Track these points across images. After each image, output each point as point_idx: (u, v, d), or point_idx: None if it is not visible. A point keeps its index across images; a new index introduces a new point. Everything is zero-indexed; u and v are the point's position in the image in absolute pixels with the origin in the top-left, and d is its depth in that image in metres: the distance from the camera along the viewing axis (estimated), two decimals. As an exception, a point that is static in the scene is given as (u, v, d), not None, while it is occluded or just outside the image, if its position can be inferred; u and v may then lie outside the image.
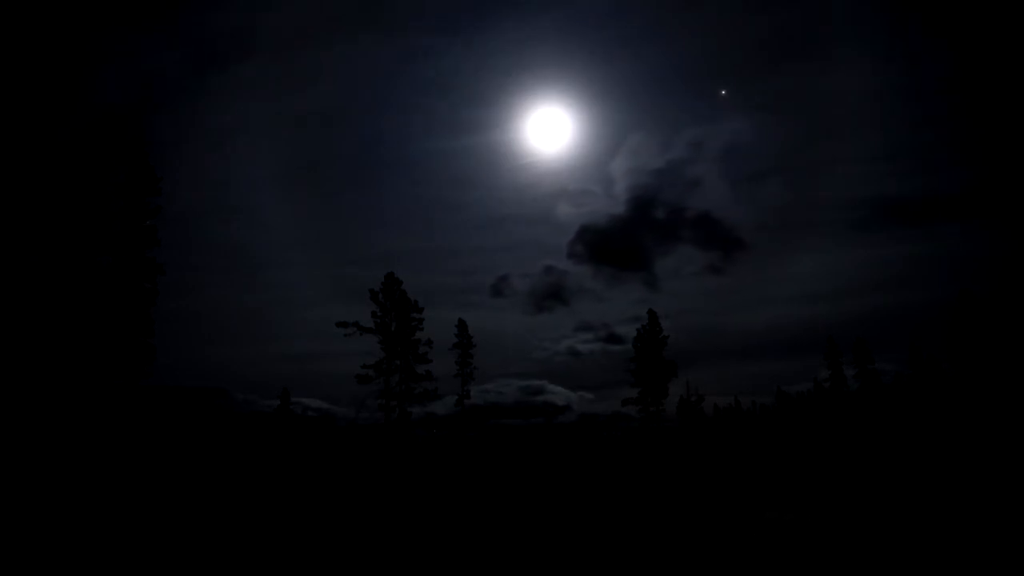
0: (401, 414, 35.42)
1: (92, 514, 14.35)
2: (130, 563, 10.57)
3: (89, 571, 10.24)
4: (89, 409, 22.04)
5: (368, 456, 29.57)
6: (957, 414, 37.37)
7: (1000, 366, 42.64)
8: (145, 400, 25.44)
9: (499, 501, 18.86)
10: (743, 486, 21.85)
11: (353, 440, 33.28)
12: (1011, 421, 31.48)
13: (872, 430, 38.85)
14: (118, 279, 24.47)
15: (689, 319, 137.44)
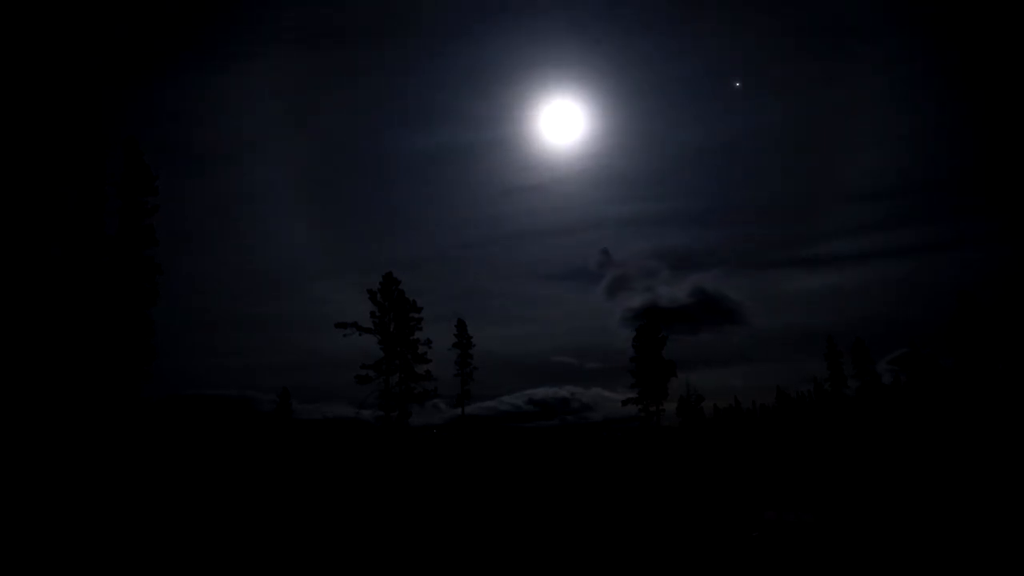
0: (401, 414, 35.42)
1: (102, 517, 14.29)
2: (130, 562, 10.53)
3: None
4: (90, 411, 21.98)
5: (372, 455, 29.52)
6: (957, 414, 37.36)
7: (999, 366, 42.63)
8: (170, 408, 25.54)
9: (498, 501, 18.81)
10: (743, 486, 21.80)
11: (354, 440, 33.23)
12: (1011, 421, 31.46)
13: (871, 430, 38.84)
14: (117, 279, 24.41)
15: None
